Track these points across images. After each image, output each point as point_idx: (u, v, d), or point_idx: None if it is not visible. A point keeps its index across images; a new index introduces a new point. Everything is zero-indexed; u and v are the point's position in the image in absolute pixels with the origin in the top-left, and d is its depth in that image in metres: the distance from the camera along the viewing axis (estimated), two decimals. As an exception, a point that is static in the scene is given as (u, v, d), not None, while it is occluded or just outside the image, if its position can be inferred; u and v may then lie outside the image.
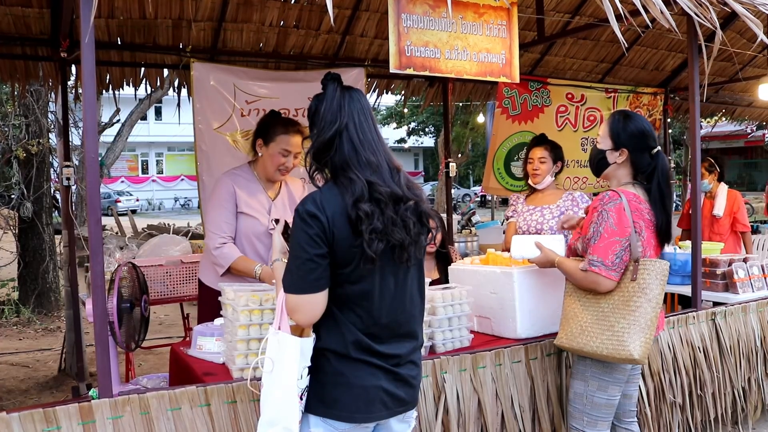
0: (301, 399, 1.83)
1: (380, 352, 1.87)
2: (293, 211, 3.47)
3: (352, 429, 1.87)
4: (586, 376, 2.68)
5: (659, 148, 2.67)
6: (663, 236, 2.67)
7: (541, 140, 4.01)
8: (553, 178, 3.96)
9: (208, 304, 3.24)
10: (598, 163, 2.74)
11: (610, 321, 2.55)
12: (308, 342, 1.85)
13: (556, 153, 3.93)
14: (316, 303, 1.81)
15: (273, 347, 1.85)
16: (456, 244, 5.71)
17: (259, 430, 1.85)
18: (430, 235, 1.96)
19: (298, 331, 1.89)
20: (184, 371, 2.80)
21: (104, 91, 4.88)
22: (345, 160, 1.85)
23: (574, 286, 2.71)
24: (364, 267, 1.80)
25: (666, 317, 3.37)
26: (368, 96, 5.50)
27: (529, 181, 3.98)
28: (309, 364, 1.84)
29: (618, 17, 2.86)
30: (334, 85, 1.92)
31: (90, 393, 2.20)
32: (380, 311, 1.87)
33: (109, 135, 14.34)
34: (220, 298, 2.67)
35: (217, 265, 3.20)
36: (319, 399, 1.86)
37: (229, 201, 3.21)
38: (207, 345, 2.79)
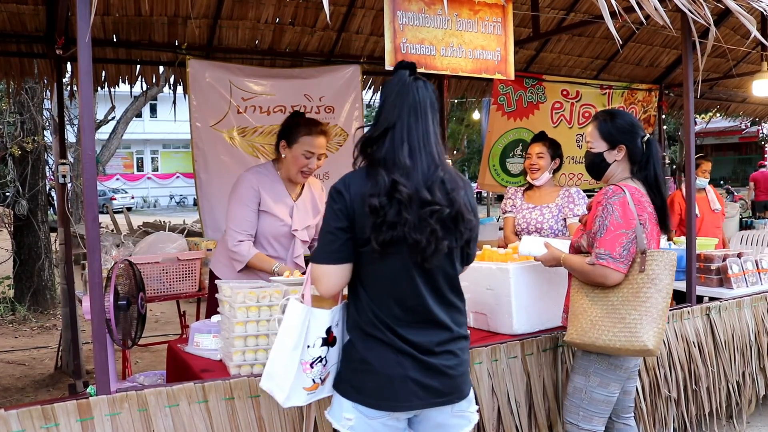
0: (312, 367, 1.91)
1: (405, 337, 1.90)
2: (315, 213, 3.48)
3: (381, 416, 1.91)
4: (588, 372, 2.69)
5: (648, 135, 2.72)
6: (663, 224, 2.69)
7: (540, 137, 4.03)
8: (551, 175, 3.96)
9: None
10: (599, 166, 2.76)
11: (621, 313, 2.54)
12: (324, 313, 1.94)
13: (555, 150, 3.94)
14: (334, 274, 1.90)
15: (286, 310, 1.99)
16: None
17: (262, 378, 2.01)
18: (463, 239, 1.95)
19: (324, 303, 1.97)
20: (182, 368, 2.81)
21: (99, 88, 4.87)
22: (381, 158, 1.89)
23: (580, 282, 2.70)
24: (373, 253, 1.85)
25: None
26: (364, 93, 5.51)
27: (528, 177, 3.99)
28: (324, 335, 1.93)
29: (612, 14, 2.87)
30: (400, 75, 1.95)
31: (88, 390, 2.21)
32: (400, 294, 1.90)
33: (104, 132, 14.31)
34: (217, 295, 2.68)
35: (234, 260, 3.21)
36: (349, 385, 1.94)
37: (252, 199, 3.19)
38: (204, 342, 2.79)
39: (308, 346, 1.92)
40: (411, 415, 1.97)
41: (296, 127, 3.23)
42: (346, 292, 2.04)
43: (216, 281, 2.82)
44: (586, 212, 2.86)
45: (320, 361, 1.93)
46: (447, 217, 1.88)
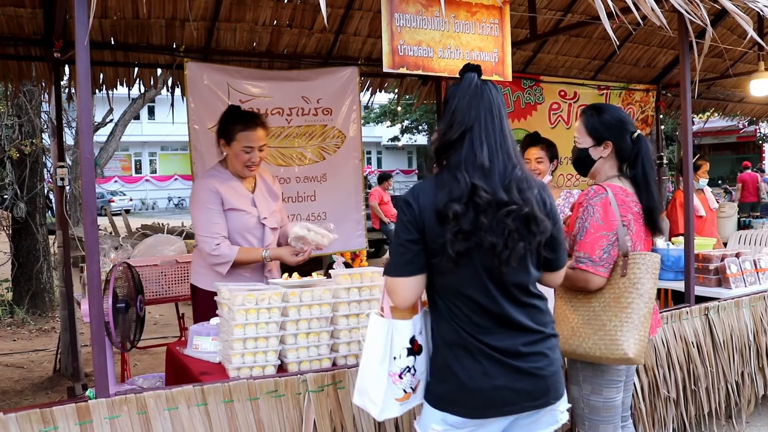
0: (401, 377, 1.92)
1: (488, 343, 1.88)
2: (274, 198, 3.48)
3: (471, 425, 1.91)
4: (579, 380, 2.59)
5: (639, 131, 2.62)
6: (651, 224, 2.59)
7: (535, 139, 3.99)
8: (551, 177, 3.96)
9: (204, 307, 3.24)
10: (584, 162, 2.67)
11: (602, 320, 2.43)
12: (405, 324, 1.94)
13: (552, 151, 3.92)
14: (407, 286, 1.90)
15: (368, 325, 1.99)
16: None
17: (354, 396, 2.04)
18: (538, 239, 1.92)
19: (405, 314, 1.96)
20: (181, 371, 2.81)
21: (97, 91, 4.87)
22: (460, 161, 1.88)
23: (563, 287, 2.58)
24: (446, 262, 1.84)
25: (660, 313, 3.39)
26: (362, 94, 5.52)
27: None
28: (408, 345, 1.93)
29: (609, 15, 2.87)
30: (471, 77, 1.95)
31: (87, 393, 2.21)
32: (475, 302, 1.89)
33: (102, 135, 14.28)
34: (216, 298, 2.67)
35: (218, 266, 3.19)
36: (437, 396, 1.94)
37: (213, 202, 3.20)
38: (203, 344, 2.79)
39: (394, 358, 1.92)
40: (505, 423, 1.94)
41: (232, 124, 3.25)
42: (425, 297, 2.03)
43: (215, 283, 2.81)
44: (569, 213, 2.81)
45: (409, 371, 1.94)
46: (521, 217, 1.86)
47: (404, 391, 1.94)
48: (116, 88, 4.94)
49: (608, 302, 2.45)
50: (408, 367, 1.93)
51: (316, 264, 6.44)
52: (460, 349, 1.89)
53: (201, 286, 3.30)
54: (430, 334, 2.00)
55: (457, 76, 2.01)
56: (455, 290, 1.90)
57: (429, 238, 1.86)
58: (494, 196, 1.83)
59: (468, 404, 1.89)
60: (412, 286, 1.90)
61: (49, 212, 10.40)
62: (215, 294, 2.76)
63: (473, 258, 1.85)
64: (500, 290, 1.90)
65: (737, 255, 4.17)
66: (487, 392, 1.88)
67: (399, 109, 22.49)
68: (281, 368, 2.56)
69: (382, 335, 1.93)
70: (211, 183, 3.24)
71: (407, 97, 6.36)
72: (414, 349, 1.94)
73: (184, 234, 10.42)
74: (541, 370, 1.93)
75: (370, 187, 13.16)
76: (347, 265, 3.14)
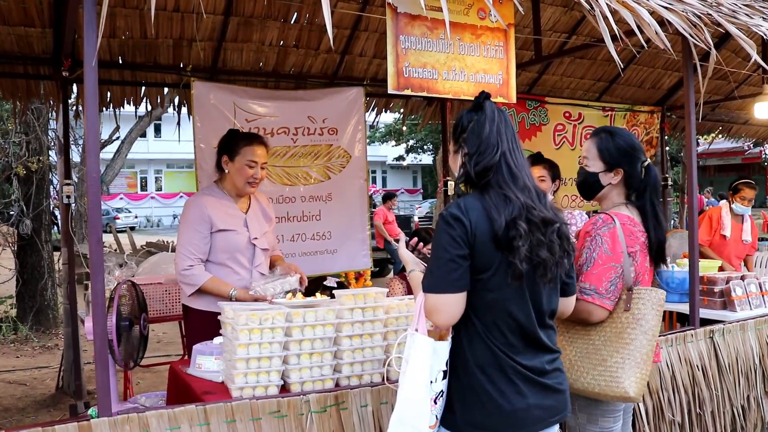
0: (435, 403, 1.87)
1: (522, 363, 1.90)
2: (267, 221, 3.49)
3: None
4: (574, 409, 2.43)
5: (649, 160, 2.56)
6: (658, 255, 2.54)
7: (538, 159, 3.99)
8: (552, 197, 3.94)
9: (196, 326, 3.25)
10: (591, 186, 2.58)
11: (602, 355, 2.36)
12: (443, 345, 1.90)
13: (554, 171, 3.91)
14: (455, 303, 1.86)
15: (408, 348, 1.91)
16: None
17: (390, 426, 1.88)
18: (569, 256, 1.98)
19: (436, 335, 1.94)
20: (183, 390, 2.80)
21: (104, 109, 4.91)
22: (502, 181, 1.90)
23: (559, 319, 2.44)
24: (510, 281, 1.85)
25: (664, 335, 3.38)
26: (367, 114, 5.55)
27: None
28: (444, 368, 1.89)
29: (613, 37, 2.88)
30: (492, 105, 1.99)
31: (89, 412, 2.20)
32: (514, 320, 1.90)
33: (108, 152, 14.39)
34: (219, 317, 2.68)
35: (185, 284, 3.21)
36: (470, 424, 1.90)
37: (200, 223, 3.22)
38: (206, 364, 2.78)
39: (431, 382, 1.87)
40: None
41: (235, 140, 3.34)
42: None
43: (219, 302, 2.81)
44: (574, 240, 2.75)
45: (441, 396, 1.90)
46: (561, 234, 1.92)
47: (436, 417, 1.89)
48: (123, 107, 4.98)
49: (609, 337, 2.38)
50: (442, 391, 1.89)
51: (320, 284, 6.44)
52: (495, 370, 1.88)
53: (192, 305, 3.30)
54: (449, 359, 1.95)
55: (463, 98, 2.05)
56: (499, 307, 1.89)
57: (481, 253, 1.85)
58: (542, 213, 1.88)
59: (503, 427, 1.88)
60: (460, 303, 1.86)
61: (55, 229, 10.43)
62: (207, 313, 2.74)
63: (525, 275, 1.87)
64: (535, 310, 1.93)
65: (742, 278, 4.15)
66: (522, 412, 1.89)
67: (404, 128, 22.58)
68: (284, 388, 2.55)
69: (428, 357, 1.86)
70: (202, 203, 3.27)
71: (412, 117, 6.40)
72: (447, 373, 1.91)
73: (188, 252, 10.42)
74: (561, 385, 2.00)
75: (374, 206, 13.18)
76: (340, 285, 3.13)
